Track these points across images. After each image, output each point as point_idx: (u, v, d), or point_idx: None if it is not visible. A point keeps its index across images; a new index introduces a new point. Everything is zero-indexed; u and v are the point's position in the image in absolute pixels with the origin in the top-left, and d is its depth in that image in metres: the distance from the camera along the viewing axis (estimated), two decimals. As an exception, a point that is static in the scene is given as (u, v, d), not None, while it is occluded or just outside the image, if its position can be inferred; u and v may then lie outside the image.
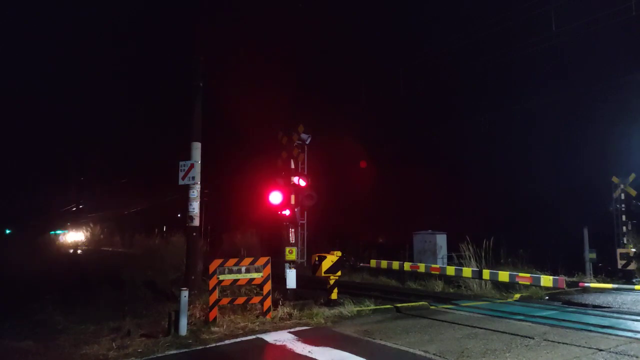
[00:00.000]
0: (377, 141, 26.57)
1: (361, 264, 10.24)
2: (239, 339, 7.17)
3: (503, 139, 25.95)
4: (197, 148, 11.44)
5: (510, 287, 12.04)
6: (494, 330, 7.65)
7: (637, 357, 6.01)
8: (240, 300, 8.55)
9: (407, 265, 9.32)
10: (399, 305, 9.86)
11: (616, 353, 6.20)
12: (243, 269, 8.50)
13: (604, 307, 9.82)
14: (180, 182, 11.10)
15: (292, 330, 7.77)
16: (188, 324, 7.44)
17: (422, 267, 9.10)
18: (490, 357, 6.14)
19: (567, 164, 24.33)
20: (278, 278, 9.96)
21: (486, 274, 8.42)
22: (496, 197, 25.54)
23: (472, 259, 13.59)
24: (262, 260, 8.64)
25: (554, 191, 24.21)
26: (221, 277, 8.30)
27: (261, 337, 7.30)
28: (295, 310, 8.80)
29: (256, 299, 8.60)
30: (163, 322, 7.67)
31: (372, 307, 9.74)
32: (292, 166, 11.44)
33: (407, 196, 27.15)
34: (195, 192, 11.00)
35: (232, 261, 8.46)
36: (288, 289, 9.96)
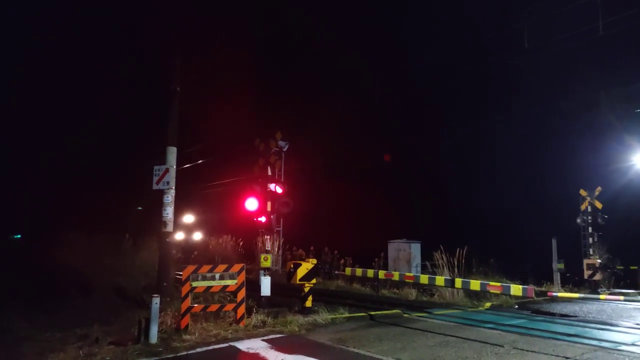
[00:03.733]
0: (354, 149, 26.74)
1: (336, 272, 10.25)
2: (211, 347, 7.06)
3: (477, 151, 26.55)
4: (172, 153, 11.29)
5: (481, 295, 12.25)
6: (465, 339, 7.76)
7: (601, 364, 6.20)
8: (214, 307, 8.43)
9: (381, 274, 9.38)
10: (372, 313, 9.91)
11: (582, 361, 6.38)
12: (217, 275, 8.39)
13: (571, 316, 10.09)
14: (155, 187, 10.92)
15: (265, 338, 7.70)
16: (159, 331, 7.28)
17: (396, 276, 9.18)
18: (462, 365, 6.22)
19: (539, 177, 25.04)
20: (253, 285, 9.87)
21: (458, 282, 8.56)
22: (470, 208, 26.03)
23: (445, 268, 13.77)
24: (237, 267, 8.55)
25: (525, 203, 24.89)
26: (194, 284, 8.17)
27: (234, 345, 7.21)
28: (269, 318, 8.73)
29: (230, 306, 8.50)
30: (133, 329, 7.48)
31: (347, 315, 9.76)
32: (269, 173, 11.41)
33: (383, 205, 27.40)
34: (170, 197, 10.84)
35: (205, 268, 8.35)
36: (262, 296, 9.88)
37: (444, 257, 13.99)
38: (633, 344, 7.46)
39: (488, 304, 11.59)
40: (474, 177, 25.44)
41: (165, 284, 10.39)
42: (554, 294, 6.94)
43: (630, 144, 17.80)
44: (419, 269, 17.72)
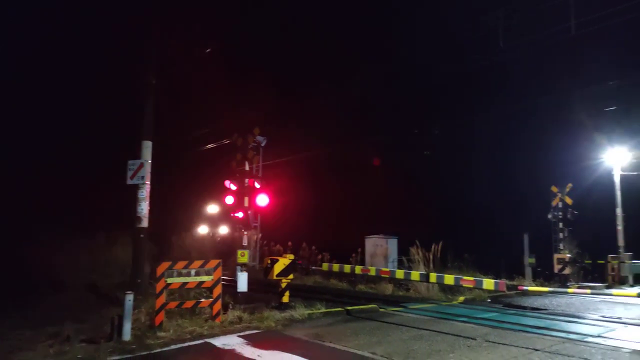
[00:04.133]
0: (333, 146, 26.85)
1: (313, 267, 10.29)
2: (186, 344, 7.01)
3: (454, 149, 26.97)
4: (147, 147, 11.11)
5: (455, 290, 12.48)
6: (439, 332, 7.91)
7: (569, 356, 6.40)
8: (189, 304, 8.35)
9: (358, 269, 9.47)
10: (349, 308, 9.99)
11: (550, 352, 6.57)
12: (193, 271, 8.32)
13: (541, 309, 10.39)
14: (129, 182, 10.74)
15: (241, 334, 7.68)
16: (133, 328, 7.19)
17: (372, 271, 9.28)
18: (435, 358, 6.33)
19: (513, 174, 25.65)
20: (230, 281, 9.81)
21: (433, 277, 8.71)
22: (445, 204, 26.47)
23: (421, 263, 13.96)
24: (213, 263, 8.49)
25: (500, 199, 25.45)
26: (169, 280, 8.07)
27: (209, 341, 7.17)
28: (246, 314, 8.72)
29: (205, 303, 8.44)
30: (106, 327, 7.36)
31: (323, 310, 9.80)
32: (247, 168, 11.36)
33: (361, 201, 27.60)
34: (145, 193, 10.68)
35: (181, 264, 8.26)
36: (239, 292, 9.85)
37: (420, 252, 14.19)
38: (599, 336, 7.73)
39: (462, 298, 11.83)
40: (451, 174, 25.87)
41: (139, 280, 10.24)
42: (525, 287, 7.14)
43: (599, 142, 18.38)
44: (396, 264, 17.93)
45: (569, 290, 6.94)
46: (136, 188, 10.73)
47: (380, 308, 10.40)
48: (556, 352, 6.56)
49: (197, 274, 8.34)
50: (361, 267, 9.45)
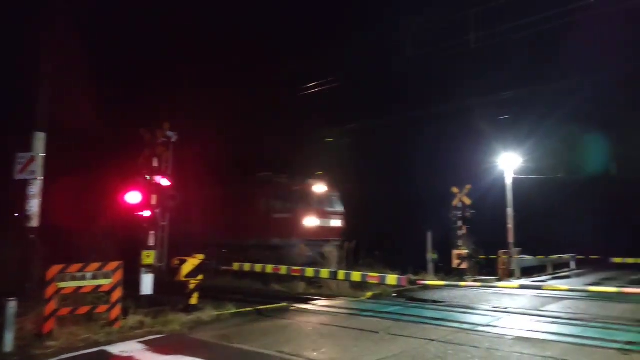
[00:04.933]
0: (247, 144, 26.50)
1: (224, 268, 10.07)
2: (78, 353, 6.50)
3: (364, 150, 27.98)
4: (40, 139, 10.12)
5: (365, 286, 12.94)
6: (346, 327, 8.15)
7: (460, 344, 6.91)
8: (84, 309, 7.75)
9: (269, 268, 9.44)
10: (260, 307, 9.93)
11: (444, 342, 7.06)
12: (89, 275, 7.74)
13: (439, 302, 11.13)
14: (17, 177, 9.71)
15: (142, 339, 7.29)
16: (16, 338, 6.52)
17: (283, 269, 9.30)
18: (340, 352, 6.51)
19: (420, 176, 27.22)
20: (134, 284, 9.36)
21: (341, 274, 8.95)
22: (358, 204, 27.34)
23: (333, 261, 14.29)
24: (112, 265, 7.97)
25: (406, 199, 26.91)
26: (61, 285, 7.43)
27: (105, 349, 6.71)
28: (149, 318, 8.29)
29: (103, 308, 7.89)
30: (-17, 338, 6.59)
31: (233, 310, 9.65)
32: (155, 165, 10.83)
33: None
34: (35, 189, 9.72)
35: (75, 267, 7.64)
36: (143, 295, 9.36)
37: (333, 250, 14.53)
38: (488, 325, 8.45)
39: (370, 294, 12.30)
40: (362, 175, 26.79)
41: (27, 285, 9.30)
42: (424, 282, 7.59)
43: (495, 148, 20.17)
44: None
45: (462, 283, 7.52)
46: (26, 184, 9.73)
47: (291, 306, 10.46)
48: (449, 342, 7.06)
49: (95, 277, 7.78)
50: (272, 266, 9.44)
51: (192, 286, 9.53)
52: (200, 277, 9.68)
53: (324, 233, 16.62)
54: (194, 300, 9.54)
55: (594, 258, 19.24)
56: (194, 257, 9.74)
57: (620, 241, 22.90)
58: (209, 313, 9.04)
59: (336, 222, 17.37)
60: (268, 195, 17.54)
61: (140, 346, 6.89)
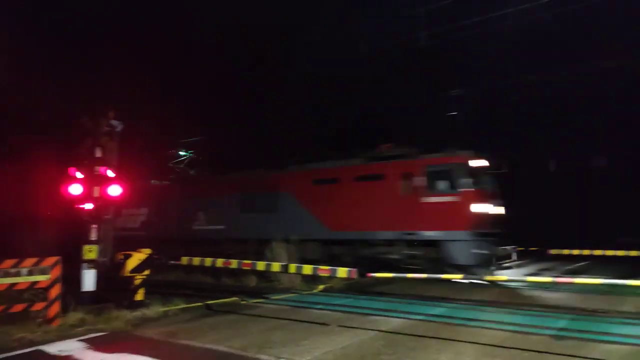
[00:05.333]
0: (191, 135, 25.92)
1: (172, 262, 9.77)
2: (12, 354, 6.12)
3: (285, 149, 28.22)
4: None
5: (317, 279, 13.02)
6: (297, 320, 8.17)
7: (407, 334, 7.11)
8: (19, 307, 7.31)
9: (219, 262, 9.28)
10: (209, 302, 9.76)
11: (392, 332, 7.23)
12: (24, 271, 7.29)
13: (389, 294, 11.39)
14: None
15: (83, 338, 6.97)
16: (-60, 341, 6.04)
17: (234, 263, 9.18)
18: (290, 346, 6.51)
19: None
20: (76, 280, 8.94)
21: (292, 267, 8.95)
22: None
23: (285, 255, 14.22)
24: (50, 260, 7.55)
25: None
26: (-8, 282, 6.96)
27: (41, 348, 6.36)
28: (90, 316, 7.94)
29: (40, 305, 7.47)
30: None
31: (182, 306, 9.43)
32: (99, 155, 10.33)
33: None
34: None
35: (8, 262, 7.17)
36: (85, 291, 8.93)
37: (286, 244, 14.44)
38: (433, 315, 8.72)
39: (321, 287, 12.41)
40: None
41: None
42: (373, 274, 7.74)
43: (447, 145, 20.78)
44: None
45: (409, 275, 7.73)
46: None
47: (242, 301, 10.36)
48: (397, 332, 7.25)
49: (30, 273, 7.35)
50: (223, 260, 9.29)
51: (137, 282, 9.22)
52: (146, 271, 9.37)
53: (493, 223, 13.50)
54: (139, 296, 9.23)
55: (533, 249, 20.33)
56: (141, 252, 9.41)
57: (557, 233, 24.41)
58: (156, 309, 8.78)
59: (500, 209, 14.28)
60: (413, 174, 14.05)
61: (81, 345, 6.58)
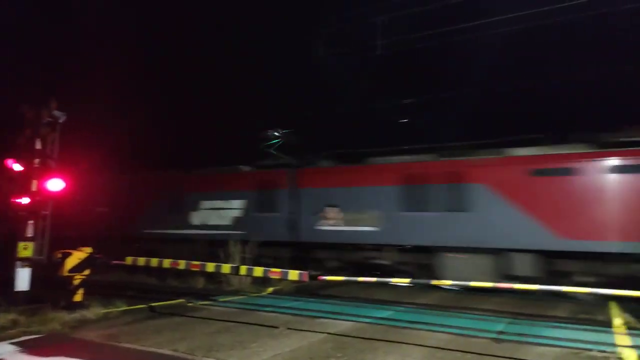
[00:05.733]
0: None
1: (115, 262, 9.35)
2: None
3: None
4: None
5: (267, 281, 12.92)
6: (245, 323, 8.06)
7: (355, 337, 7.19)
8: (-59, 308, 6.74)
9: (166, 263, 8.98)
10: (153, 304, 9.43)
11: (342, 335, 7.30)
12: (-51, 268, 6.73)
13: (338, 297, 11.52)
14: None
15: (16, 340, 6.53)
16: None
17: (182, 264, 8.92)
18: (238, 349, 6.41)
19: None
20: (9, 280, 8.39)
21: (243, 269, 8.84)
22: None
23: (236, 256, 14.02)
24: (-20, 257, 7.02)
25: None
26: None
27: (-33, 352, 5.90)
28: (24, 317, 7.46)
29: (-34, 306, 6.92)
30: None
31: (124, 307, 9.05)
32: (39, 146, 9.76)
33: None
34: None
35: None
36: (18, 291, 8.39)
37: (237, 245, 14.23)
38: (381, 318, 8.90)
39: (271, 289, 12.33)
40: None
41: None
42: (324, 277, 7.80)
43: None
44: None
45: (360, 279, 7.86)
46: None
47: (189, 302, 10.10)
48: (346, 334, 7.33)
49: (-44, 271, 6.79)
50: (170, 260, 9.01)
51: (76, 282, 8.76)
52: (86, 271, 8.93)
53: None
54: (78, 297, 8.77)
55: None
56: (81, 250, 8.96)
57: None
58: (96, 311, 8.39)
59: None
60: None
61: (12, 347, 6.16)
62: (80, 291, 8.81)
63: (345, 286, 13.03)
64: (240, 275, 11.49)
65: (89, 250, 9.03)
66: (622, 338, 7.35)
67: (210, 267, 8.90)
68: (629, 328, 8.17)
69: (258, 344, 6.65)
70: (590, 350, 6.42)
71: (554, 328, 8.17)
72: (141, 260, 9.31)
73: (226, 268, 9.15)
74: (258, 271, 8.27)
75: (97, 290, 9.87)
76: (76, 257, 8.73)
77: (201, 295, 11.20)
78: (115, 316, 8.49)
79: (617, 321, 8.70)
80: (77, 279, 8.75)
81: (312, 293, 12.00)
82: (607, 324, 8.53)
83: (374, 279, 8.98)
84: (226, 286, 12.98)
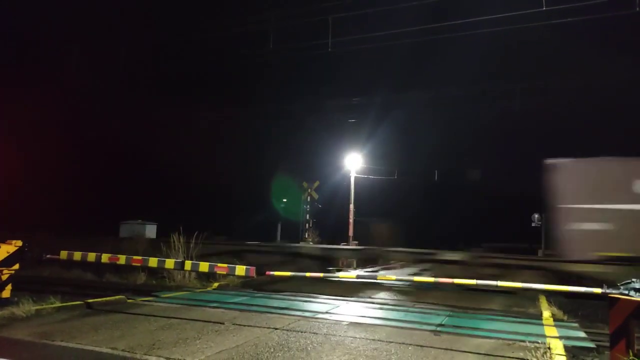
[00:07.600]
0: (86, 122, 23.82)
1: (48, 256, 8.76)
2: None
3: (214, 143, 27.64)
4: None
5: (212, 276, 12.70)
6: (189, 319, 7.86)
7: (302, 331, 7.22)
8: None
9: (105, 257, 8.57)
10: (90, 301, 8.97)
11: (287, 330, 7.30)
12: None
13: (285, 291, 11.53)
14: None
15: None
16: None
17: (122, 259, 8.54)
18: (182, 346, 6.24)
19: (270, 171, 27.83)
20: None
21: (188, 265, 8.61)
22: (215, 195, 26.82)
23: (180, 250, 13.66)
24: None
25: (255, 191, 27.28)
26: None
27: None
28: (-58, 316, 6.85)
29: None
30: None
31: (58, 304, 8.54)
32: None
33: (118, 185, 25.34)
34: None
35: None
36: None
37: (182, 239, 13.87)
38: (327, 312, 9.01)
39: (216, 284, 12.12)
40: (210, 167, 26.39)
41: None
42: (271, 273, 7.75)
43: (343, 148, 21.66)
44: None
45: (307, 274, 7.88)
46: None
47: (129, 299, 9.71)
48: (292, 329, 7.34)
49: None
50: (109, 255, 8.61)
51: (4, 277, 8.16)
52: (16, 266, 8.34)
53: None
54: (6, 293, 8.18)
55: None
56: (10, 243, 8.35)
57: (438, 235, 26.76)
58: (26, 307, 7.84)
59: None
60: None
61: None
62: (8, 287, 8.22)
63: (293, 281, 13.07)
64: (185, 270, 11.19)
65: (18, 243, 8.44)
66: (550, 329, 7.90)
67: (153, 262, 8.60)
68: (556, 320, 8.81)
69: (203, 341, 6.51)
70: (522, 341, 6.83)
71: (490, 321, 8.64)
72: (77, 255, 8.83)
73: (170, 263, 8.87)
74: (204, 266, 8.11)
75: (27, 287, 9.27)
76: (5, 250, 8.13)
77: (142, 292, 10.81)
78: (48, 313, 8.00)
79: (546, 314, 9.34)
80: (5, 274, 8.15)
81: (259, 288, 11.93)
82: (537, 317, 9.14)
83: (320, 274, 9.07)
84: (170, 282, 12.61)
